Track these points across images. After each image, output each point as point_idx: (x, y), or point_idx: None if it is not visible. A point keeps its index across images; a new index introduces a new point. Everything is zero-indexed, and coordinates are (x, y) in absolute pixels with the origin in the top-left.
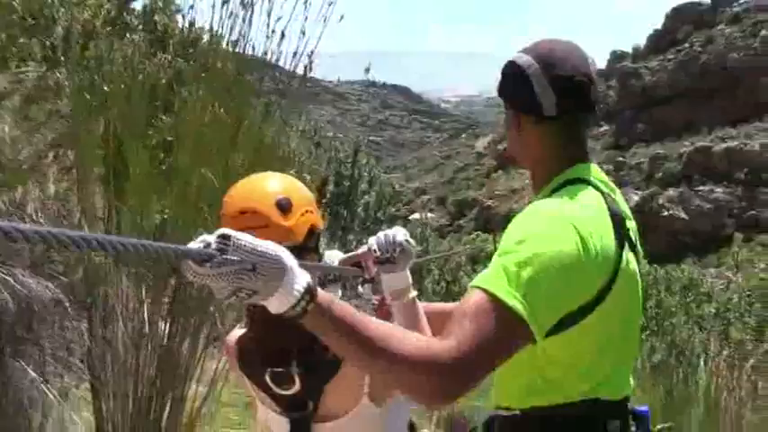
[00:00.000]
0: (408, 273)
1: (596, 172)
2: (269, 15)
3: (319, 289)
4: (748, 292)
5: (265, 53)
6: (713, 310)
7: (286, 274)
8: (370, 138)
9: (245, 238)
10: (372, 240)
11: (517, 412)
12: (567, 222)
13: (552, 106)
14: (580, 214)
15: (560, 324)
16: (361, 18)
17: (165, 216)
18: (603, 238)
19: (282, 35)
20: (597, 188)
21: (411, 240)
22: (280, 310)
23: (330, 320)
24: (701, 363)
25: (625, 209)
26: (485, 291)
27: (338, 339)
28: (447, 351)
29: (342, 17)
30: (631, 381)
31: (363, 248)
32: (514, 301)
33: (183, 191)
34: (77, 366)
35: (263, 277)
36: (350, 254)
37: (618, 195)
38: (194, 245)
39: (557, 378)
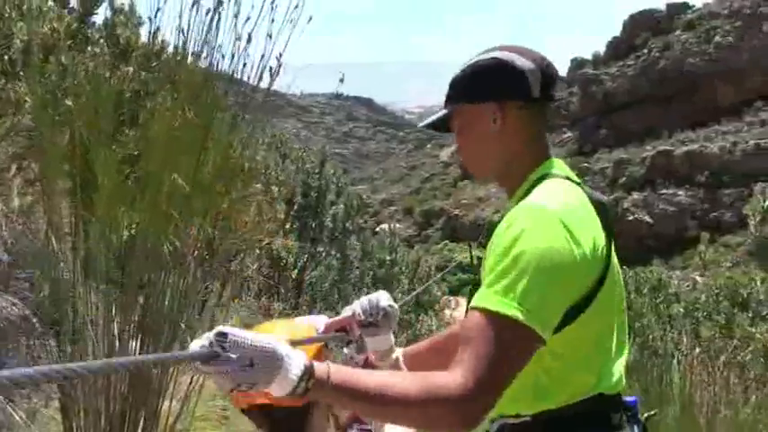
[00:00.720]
0: (391, 335)
1: (563, 166)
2: (236, 17)
3: (316, 363)
4: (717, 291)
5: (233, 55)
6: (682, 310)
7: (282, 362)
8: (336, 150)
9: (240, 334)
10: (356, 305)
11: (527, 418)
12: (555, 219)
13: (538, 88)
14: (566, 208)
15: (563, 320)
16: (323, 32)
17: (134, 229)
18: (592, 229)
19: (249, 38)
20: (573, 180)
21: (394, 305)
22: (282, 394)
23: (333, 389)
24: (675, 361)
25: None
26: (483, 309)
27: (347, 402)
28: (456, 382)
29: (310, 18)
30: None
31: (347, 312)
32: (513, 310)
33: (153, 198)
34: (45, 385)
35: (262, 369)
36: (335, 318)
37: (586, 188)
38: (196, 344)
39: (561, 374)
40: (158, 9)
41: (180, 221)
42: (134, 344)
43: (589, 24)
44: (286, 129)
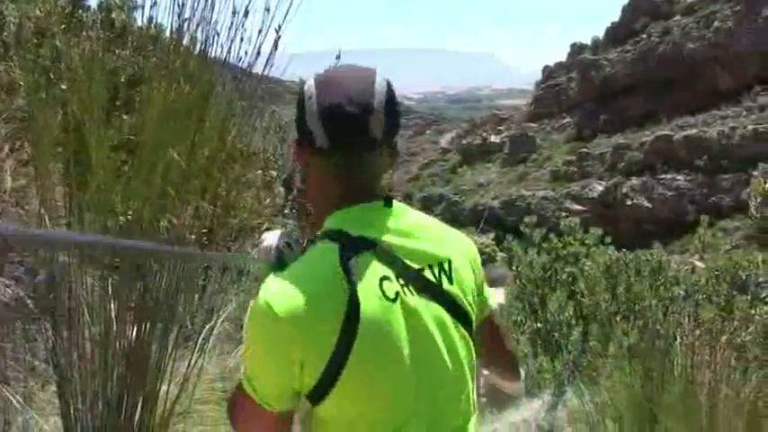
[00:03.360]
0: None
1: (341, 217)
2: None
3: None
4: (716, 272)
5: (229, 29)
6: (683, 293)
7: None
8: None
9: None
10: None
11: None
12: (265, 319)
13: (324, 138)
14: (275, 290)
15: (319, 388)
16: (322, 19)
17: (130, 211)
18: (322, 306)
19: (246, 12)
20: (348, 238)
21: (293, 236)
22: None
23: None
24: (676, 343)
25: (427, 249)
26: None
27: None
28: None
29: None
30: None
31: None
32: (249, 387)
33: (148, 177)
34: (42, 368)
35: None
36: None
37: (420, 232)
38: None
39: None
40: None
41: (176, 199)
42: (131, 328)
43: (588, 9)
44: (285, 115)
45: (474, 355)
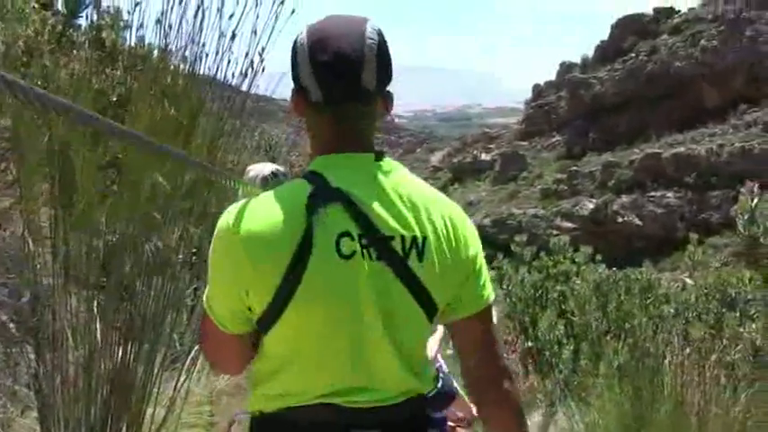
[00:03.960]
0: None
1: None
2: (219, 12)
3: None
4: (705, 291)
5: (216, 52)
6: (672, 311)
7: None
8: None
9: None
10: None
11: (257, 413)
12: (226, 233)
13: (317, 92)
14: (232, 217)
15: (264, 320)
16: None
17: (116, 233)
18: (277, 236)
19: (233, 35)
20: (324, 184)
21: (280, 168)
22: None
23: None
24: (666, 361)
25: (403, 218)
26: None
27: None
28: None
29: (293, 11)
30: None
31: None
32: (207, 307)
33: (134, 199)
34: (23, 393)
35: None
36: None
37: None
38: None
39: (275, 364)
40: (137, 4)
41: (162, 223)
42: (117, 349)
43: (578, 29)
44: (275, 133)
45: (426, 338)
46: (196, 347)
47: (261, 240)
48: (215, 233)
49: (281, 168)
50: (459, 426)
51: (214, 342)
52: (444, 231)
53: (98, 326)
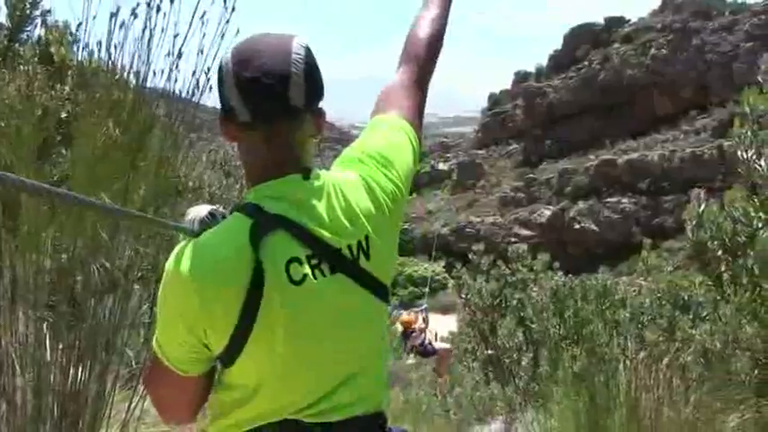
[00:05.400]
0: None
1: (258, 192)
2: (163, 31)
3: None
4: (659, 295)
5: (163, 71)
6: (628, 315)
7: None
8: None
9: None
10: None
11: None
12: (175, 278)
13: (244, 111)
14: (185, 256)
15: (225, 356)
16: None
17: (62, 253)
18: (227, 276)
19: (180, 54)
20: (264, 215)
21: (218, 209)
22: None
23: None
24: (620, 366)
25: (343, 227)
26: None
27: None
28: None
29: (238, 31)
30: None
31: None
32: (159, 351)
33: (79, 220)
34: None
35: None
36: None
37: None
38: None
39: (238, 398)
40: (80, 24)
41: (109, 244)
42: (68, 371)
43: (532, 38)
44: (233, 148)
45: (385, 331)
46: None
47: (212, 282)
48: (164, 278)
49: (220, 208)
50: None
51: (167, 388)
52: (371, 209)
53: (48, 347)
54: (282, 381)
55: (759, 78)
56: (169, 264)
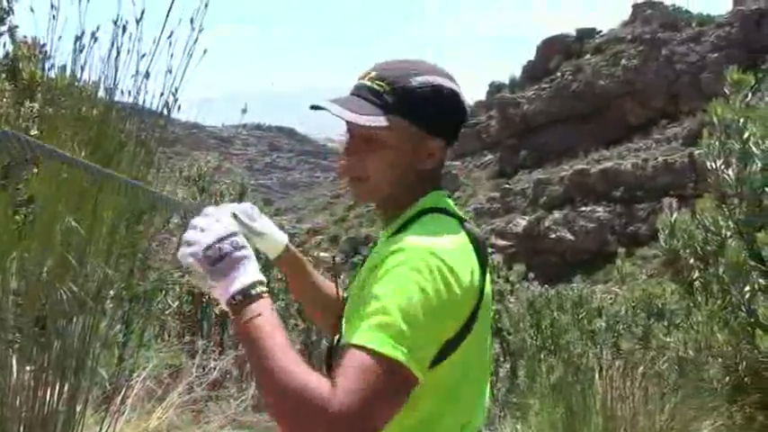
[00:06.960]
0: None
1: (445, 199)
2: (129, 53)
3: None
4: (633, 304)
5: (130, 92)
6: (604, 324)
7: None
8: (260, 181)
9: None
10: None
11: None
12: (435, 258)
13: (456, 133)
14: (445, 247)
15: (435, 359)
16: (234, 62)
17: (28, 274)
18: (469, 266)
19: (147, 74)
20: (455, 215)
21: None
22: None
23: (251, 322)
24: (596, 376)
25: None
26: (363, 348)
27: (245, 343)
28: (336, 399)
29: (205, 51)
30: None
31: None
32: (393, 350)
33: (46, 240)
34: None
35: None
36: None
37: (466, 223)
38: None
39: (429, 412)
40: (43, 45)
41: (77, 265)
42: (36, 392)
43: (505, 49)
44: (208, 163)
45: None
46: (126, 385)
47: (469, 276)
48: (421, 265)
49: (245, 206)
50: None
51: (394, 402)
52: None
53: (14, 370)
54: (469, 400)
55: (725, 90)
56: (426, 251)
